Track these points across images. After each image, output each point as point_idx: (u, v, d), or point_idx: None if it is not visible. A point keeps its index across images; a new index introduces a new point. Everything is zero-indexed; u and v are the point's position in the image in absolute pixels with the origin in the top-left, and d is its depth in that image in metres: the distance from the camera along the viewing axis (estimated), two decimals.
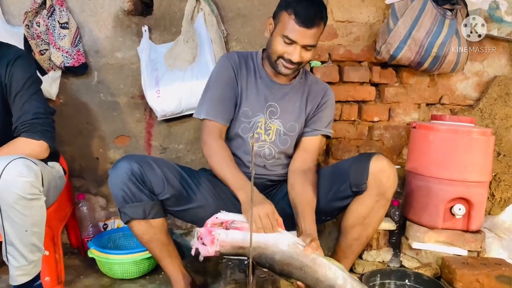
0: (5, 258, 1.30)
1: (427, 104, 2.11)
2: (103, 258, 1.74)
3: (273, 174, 1.57)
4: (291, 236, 1.24)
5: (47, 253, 1.54)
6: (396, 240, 1.93)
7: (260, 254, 1.22)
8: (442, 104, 2.10)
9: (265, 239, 1.22)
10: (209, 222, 1.27)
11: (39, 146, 1.42)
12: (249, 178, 1.31)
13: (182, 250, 2.04)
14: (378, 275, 1.37)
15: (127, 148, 2.08)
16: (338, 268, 1.18)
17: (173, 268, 1.49)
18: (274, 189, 1.62)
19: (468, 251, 1.72)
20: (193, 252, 1.27)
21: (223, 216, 1.29)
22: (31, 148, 1.40)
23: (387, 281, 1.37)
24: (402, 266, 1.88)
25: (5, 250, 1.28)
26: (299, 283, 1.22)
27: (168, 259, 1.48)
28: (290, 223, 1.47)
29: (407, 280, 1.36)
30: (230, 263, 1.55)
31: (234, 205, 1.57)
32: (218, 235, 1.25)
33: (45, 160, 1.50)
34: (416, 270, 1.67)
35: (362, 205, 1.40)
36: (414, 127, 1.86)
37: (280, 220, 1.27)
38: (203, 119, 1.51)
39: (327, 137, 1.63)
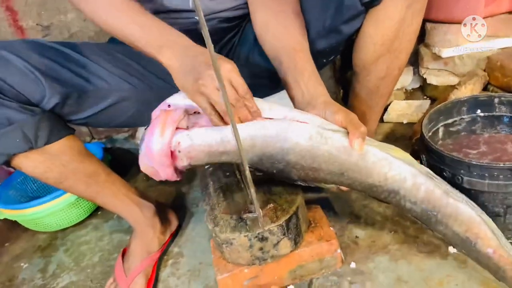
0: None
1: None
2: (21, 217, 1.17)
3: (225, 9, 0.91)
4: (306, 115, 0.68)
5: None
6: (411, 54, 1.40)
7: (260, 156, 0.67)
8: None
9: (263, 132, 0.66)
10: (157, 115, 0.70)
11: None
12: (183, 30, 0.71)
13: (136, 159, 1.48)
14: (440, 117, 0.87)
15: None
16: (403, 162, 0.67)
17: (120, 203, 0.94)
18: (234, 37, 0.98)
19: None
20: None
21: (179, 99, 0.70)
22: None
23: (450, 120, 0.88)
24: (425, 84, 1.41)
25: None
26: (341, 187, 0.71)
27: (106, 194, 0.91)
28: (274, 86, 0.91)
29: (479, 111, 0.87)
30: (208, 166, 1.01)
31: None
32: (178, 145, 0.68)
33: None
34: (457, 87, 1.19)
35: (385, 21, 0.80)
36: None
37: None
38: None
39: None
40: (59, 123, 0.80)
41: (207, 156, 0.69)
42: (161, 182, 1.30)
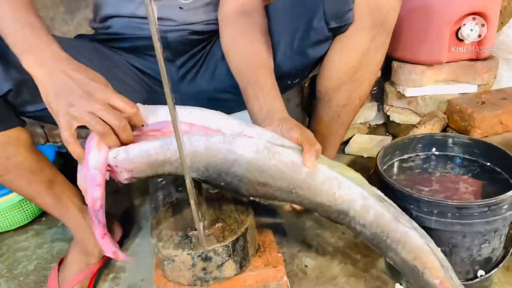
0: None
1: None
2: None
3: (197, 21, 0.90)
4: (255, 129, 0.66)
5: None
6: (377, 90, 1.44)
7: (206, 166, 0.64)
8: None
9: (207, 142, 0.63)
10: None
11: None
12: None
13: None
14: (395, 152, 0.88)
15: None
16: (353, 182, 0.65)
17: (62, 207, 0.88)
18: (202, 49, 0.97)
19: (478, 85, 1.28)
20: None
21: None
22: None
23: (405, 156, 0.89)
24: (388, 122, 1.44)
25: None
26: (293, 205, 0.70)
27: (47, 194, 0.85)
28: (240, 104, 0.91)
29: (434, 149, 0.89)
30: (161, 180, 0.98)
31: (146, 85, 0.94)
32: (115, 159, 0.63)
33: None
34: (417, 126, 1.22)
35: (350, 50, 0.82)
36: None
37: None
38: None
39: None
40: (8, 112, 0.75)
41: (148, 167, 0.65)
42: (114, 192, 1.28)
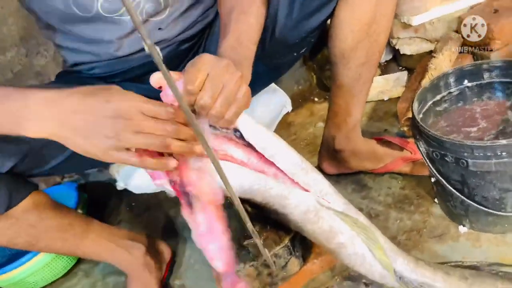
0: None
1: None
2: (5, 282, 1.07)
3: (181, 31, 0.80)
4: (310, 175, 0.64)
5: None
6: None
7: (261, 201, 0.63)
8: None
9: (264, 189, 0.61)
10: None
11: None
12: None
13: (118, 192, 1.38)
14: (427, 96, 0.82)
15: None
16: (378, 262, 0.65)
17: (104, 251, 0.86)
18: (196, 53, 0.87)
19: None
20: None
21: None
22: None
23: (438, 97, 0.83)
24: (398, 55, 1.36)
25: None
26: None
27: (86, 245, 0.82)
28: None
29: (466, 81, 0.82)
30: None
31: None
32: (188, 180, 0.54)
33: None
34: (435, 55, 1.15)
35: (361, 5, 0.75)
36: None
37: None
38: None
39: None
40: (18, 182, 0.71)
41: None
42: (145, 209, 1.25)
